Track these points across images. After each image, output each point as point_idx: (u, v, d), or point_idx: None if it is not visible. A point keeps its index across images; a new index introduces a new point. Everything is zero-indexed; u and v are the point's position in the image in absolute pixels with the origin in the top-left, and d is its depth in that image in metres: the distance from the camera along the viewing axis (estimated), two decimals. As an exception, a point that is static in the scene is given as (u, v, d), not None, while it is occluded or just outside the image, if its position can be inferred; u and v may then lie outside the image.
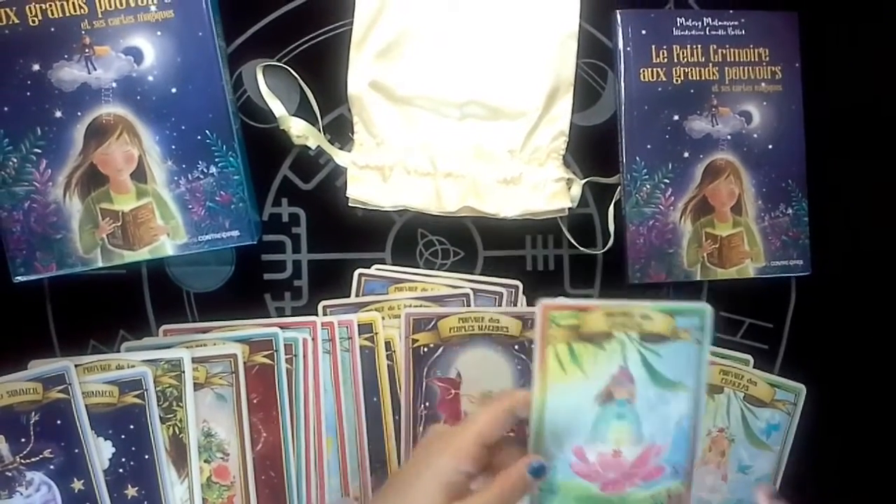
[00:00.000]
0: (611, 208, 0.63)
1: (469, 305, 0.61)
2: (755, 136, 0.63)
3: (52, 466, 0.55)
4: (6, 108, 0.53)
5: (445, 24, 0.60)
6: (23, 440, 0.55)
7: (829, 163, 0.64)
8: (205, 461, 0.58)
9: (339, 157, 0.61)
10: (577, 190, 0.62)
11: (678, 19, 0.62)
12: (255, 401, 0.58)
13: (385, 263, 0.62)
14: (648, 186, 0.62)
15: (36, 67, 0.53)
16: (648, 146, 0.62)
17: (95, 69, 0.54)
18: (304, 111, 0.61)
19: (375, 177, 0.60)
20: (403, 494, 0.43)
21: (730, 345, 0.64)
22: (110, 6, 0.54)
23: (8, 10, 0.53)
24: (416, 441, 0.59)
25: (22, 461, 0.55)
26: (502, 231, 0.62)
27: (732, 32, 0.63)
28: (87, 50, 0.54)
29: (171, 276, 0.61)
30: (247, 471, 0.58)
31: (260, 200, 0.61)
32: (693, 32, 0.62)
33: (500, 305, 0.62)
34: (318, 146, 0.61)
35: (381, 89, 0.60)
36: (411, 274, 0.62)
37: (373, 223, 0.62)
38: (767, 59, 0.63)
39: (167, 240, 0.55)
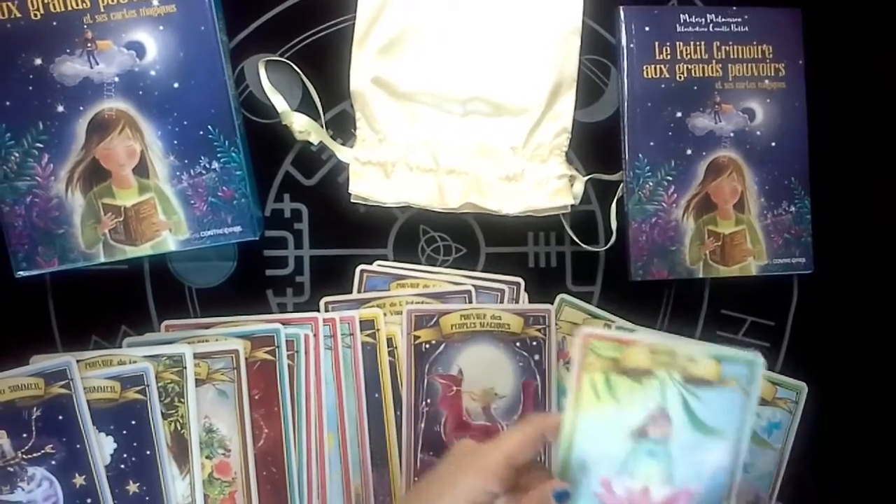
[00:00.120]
0: (613, 205, 0.63)
1: (471, 302, 0.61)
2: (758, 133, 0.63)
3: (53, 462, 0.55)
4: (8, 103, 0.53)
5: (448, 20, 0.60)
6: (24, 435, 0.55)
7: (832, 160, 0.64)
8: (206, 457, 0.58)
9: (342, 152, 0.61)
10: (579, 187, 0.62)
11: (681, 16, 0.62)
12: (256, 397, 0.58)
13: (387, 260, 0.62)
14: (651, 183, 0.62)
15: (38, 62, 0.53)
16: (651, 143, 0.61)
17: (97, 63, 0.54)
18: (306, 107, 0.61)
19: (378, 173, 0.60)
20: None
21: (732, 342, 0.64)
22: (112, 0, 0.54)
23: (10, 3, 0.53)
24: (417, 440, 0.59)
25: (23, 456, 0.55)
26: (504, 228, 0.62)
27: (736, 29, 0.62)
28: (89, 44, 0.54)
29: (173, 272, 0.61)
30: (248, 467, 0.58)
31: (262, 196, 0.61)
32: (696, 29, 0.62)
33: (501, 302, 0.62)
34: (321, 142, 0.61)
35: (383, 85, 0.60)
36: (413, 270, 0.62)
37: (375, 219, 0.62)
38: (771, 56, 0.63)
39: (169, 235, 0.55)
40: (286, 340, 0.58)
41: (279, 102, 0.60)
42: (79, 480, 0.56)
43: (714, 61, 0.62)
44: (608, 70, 0.63)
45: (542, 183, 0.60)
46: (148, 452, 0.57)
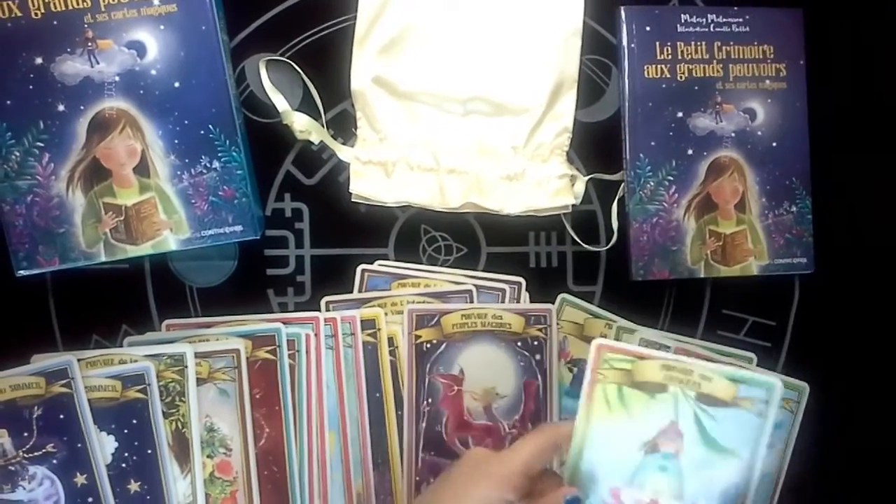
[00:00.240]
0: (614, 205, 0.63)
1: (472, 302, 0.61)
2: (759, 133, 0.63)
3: (54, 461, 0.55)
4: (9, 102, 0.53)
5: (449, 19, 0.60)
6: (25, 434, 0.55)
7: (833, 160, 0.64)
8: (207, 456, 0.58)
9: (343, 152, 0.61)
10: (580, 187, 0.62)
11: (682, 16, 0.62)
12: (257, 396, 0.58)
13: (388, 259, 0.62)
14: (652, 183, 0.62)
15: (39, 61, 0.53)
16: (652, 143, 0.61)
17: (98, 63, 0.54)
18: (307, 106, 0.61)
19: (378, 172, 0.60)
20: None
21: (733, 343, 0.64)
22: (113, 0, 0.54)
23: (10, 2, 0.53)
24: (419, 439, 0.59)
25: (25, 455, 0.55)
26: (505, 227, 0.62)
27: (737, 29, 0.62)
28: (89, 43, 0.54)
29: (174, 271, 0.61)
30: (249, 466, 0.58)
31: (263, 195, 0.61)
32: (697, 29, 0.62)
33: (503, 302, 0.61)
34: (322, 141, 0.61)
35: (384, 85, 0.60)
36: (414, 270, 0.62)
37: (376, 219, 0.62)
38: (772, 56, 0.63)
39: (170, 234, 0.55)
40: (287, 340, 0.58)
41: (280, 102, 0.60)
42: (80, 479, 0.56)
43: (715, 61, 0.62)
44: (609, 70, 0.63)
45: (543, 183, 0.60)
46: (149, 451, 0.57)
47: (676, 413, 0.44)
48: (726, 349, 0.63)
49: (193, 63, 0.55)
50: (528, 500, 0.44)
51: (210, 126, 0.55)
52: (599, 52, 0.63)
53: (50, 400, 0.55)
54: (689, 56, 0.62)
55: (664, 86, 0.61)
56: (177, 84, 0.55)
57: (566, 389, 0.62)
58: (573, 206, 0.62)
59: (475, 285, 0.61)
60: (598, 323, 0.62)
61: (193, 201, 0.55)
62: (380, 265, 0.62)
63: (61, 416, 0.55)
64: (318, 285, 0.62)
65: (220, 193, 0.56)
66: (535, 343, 0.60)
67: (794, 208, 0.63)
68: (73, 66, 0.54)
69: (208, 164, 0.55)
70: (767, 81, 0.63)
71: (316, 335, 0.59)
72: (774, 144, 0.63)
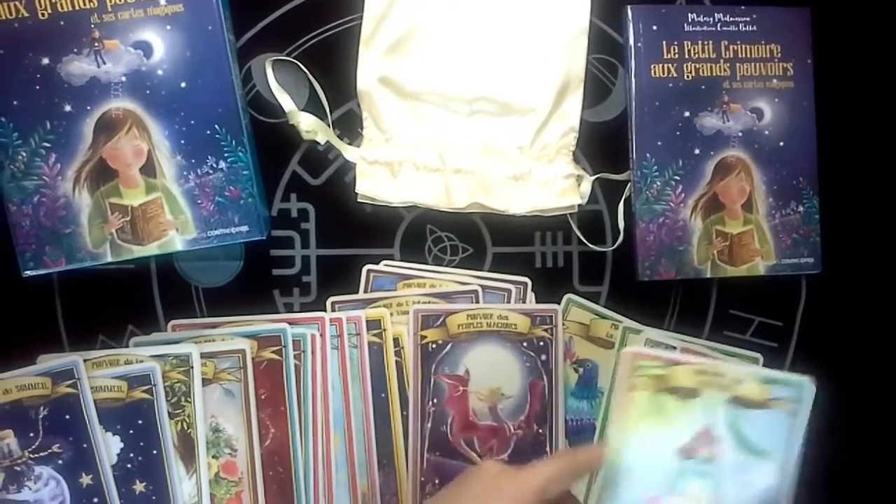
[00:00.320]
0: (621, 205, 0.63)
1: (478, 302, 0.61)
2: (766, 132, 0.62)
3: (60, 461, 0.55)
4: (15, 102, 0.53)
5: (455, 19, 0.59)
6: (31, 435, 0.55)
7: (841, 160, 0.64)
8: (213, 457, 0.58)
9: (349, 152, 0.61)
10: (586, 186, 0.62)
11: (689, 15, 0.62)
12: (263, 396, 0.58)
13: (394, 259, 0.62)
14: (659, 183, 0.61)
15: (45, 61, 0.53)
16: (659, 143, 0.61)
17: (105, 63, 0.54)
18: (313, 106, 0.61)
19: (384, 172, 0.60)
20: None
21: (739, 343, 0.64)
22: (120, 0, 0.54)
23: (17, 3, 0.53)
24: (424, 440, 0.59)
25: (30, 456, 0.55)
26: (511, 228, 0.62)
27: (744, 28, 0.62)
28: (96, 44, 0.54)
29: (180, 272, 0.61)
30: (255, 466, 0.58)
31: (269, 196, 0.61)
32: (704, 28, 0.62)
33: (508, 302, 0.61)
34: (328, 141, 0.61)
35: (390, 85, 0.60)
36: (420, 270, 0.62)
37: (382, 219, 0.62)
38: (779, 55, 0.63)
39: (176, 235, 0.55)
40: (293, 340, 0.58)
41: (286, 102, 0.60)
42: (85, 480, 0.56)
43: (722, 60, 0.62)
44: (616, 69, 0.63)
45: (549, 182, 0.60)
46: (154, 452, 0.57)
47: (711, 417, 0.44)
48: (732, 349, 0.63)
49: (200, 63, 0.55)
50: None
51: (216, 126, 0.55)
52: (606, 51, 0.63)
53: (56, 400, 0.55)
54: (696, 55, 0.62)
55: (671, 85, 0.61)
56: (183, 84, 0.55)
57: (572, 390, 0.62)
58: (579, 206, 0.61)
59: (481, 285, 0.61)
60: (605, 323, 0.62)
61: (199, 201, 0.55)
62: (385, 265, 0.61)
63: (67, 417, 0.55)
64: (323, 286, 0.62)
65: (226, 194, 0.56)
66: (541, 343, 0.60)
67: (801, 208, 0.63)
68: (79, 67, 0.54)
69: (214, 165, 0.55)
70: (775, 81, 0.62)
71: (321, 335, 0.59)
72: (782, 144, 0.62)
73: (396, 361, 0.60)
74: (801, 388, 0.44)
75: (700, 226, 0.62)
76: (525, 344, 0.60)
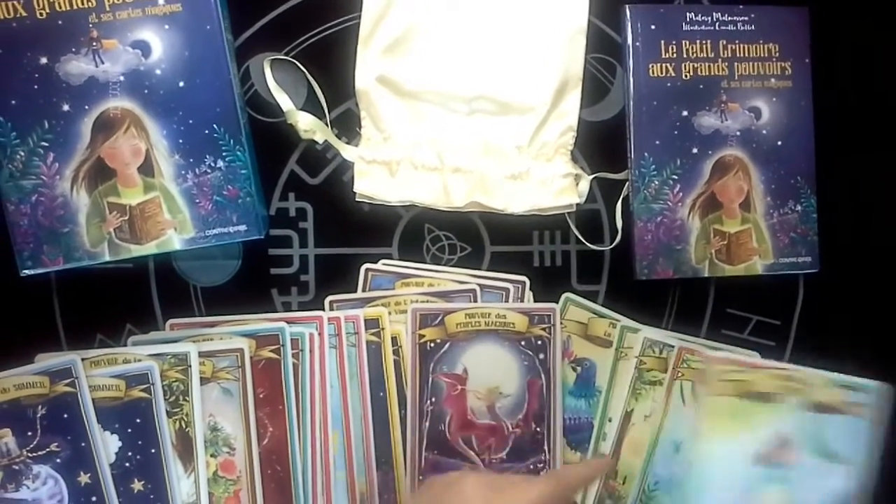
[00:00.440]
0: (619, 204, 0.63)
1: (476, 301, 0.61)
2: (764, 132, 0.62)
3: (58, 460, 0.56)
4: (14, 101, 0.53)
5: (454, 18, 0.59)
6: (29, 433, 0.55)
7: (839, 159, 0.64)
8: (211, 455, 0.58)
9: (347, 151, 0.61)
10: (584, 186, 0.62)
11: (688, 14, 0.62)
12: (261, 395, 0.58)
13: (392, 258, 0.62)
14: (657, 182, 0.61)
15: (43, 61, 0.53)
16: (657, 142, 0.61)
17: (103, 62, 0.54)
18: (311, 105, 0.61)
19: (383, 171, 0.60)
20: None
21: (737, 341, 0.64)
22: (118, 0, 0.54)
23: (16, 2, 0.53)
24: (422, 438, 0.59)
25: (29, 454, 0.55)
26: (509, 227, 0.62)
27: (742, 28, 0.62)
28: (94, 43, 0.54)
29: (178, 271, 0.61)
30: (253, 465, 0.58)
31: (267, 195, 0.61)
32: (702, 27, 0.62)
33: (506, 301, 0.61)
34: (326, 140, 0.61)
35: (388, 84, 0.60)
36: (418, 269, 0.62)
37: (380, 218, 0.62)
38: (777, 54, 0.63)
39: (174, 234, 0.55)
40: (291, 339, 0.58)
41: (284, 101, 0.60)
42: (84, 479, 0.56)
43: (720, 60, 0.62)
44: (614, 69, 0.63)
45: (548, 182, 0.60)
46: (153, 451, 0.57)
47: (789, 423, 0.44)
48: (730, 348, 0.62)
49: (198, 62, 0.55)
50: None
51: (214, 125, 0.55)
52: (604, 50, 0.63)
53: (54, 399, 0.56)
54: (695, 54, 0.62)
55: (669, 84, 0.61)
56: (181, 83, 0.55)
57: (570, 388, 0.62)
58: (577, 205, 0.61)
59: (479, 284, 0.61)
60: (603, 322, 0.62)
61: (198, 201, 0.55)
62: (384, 264, 0.61)
63: (65, 416, 0.56)
64: (321, 285, 0.62)
65: (224, 193, 0.56)
66: (539, 342, 0.60)
67: (799, 207, 0.63)
68: (77, 66, 0.54)
69: (213, 164, 0.55)
70: (773, 80, 0.62)
71: (320, 334, 0.59)
72: (780, 143, 0.63)
73: (395, 360, 0.60)
74: (879, 394, 0.44)
75: (698, 225, 0.62)
76: (523, 343, 0.60)
